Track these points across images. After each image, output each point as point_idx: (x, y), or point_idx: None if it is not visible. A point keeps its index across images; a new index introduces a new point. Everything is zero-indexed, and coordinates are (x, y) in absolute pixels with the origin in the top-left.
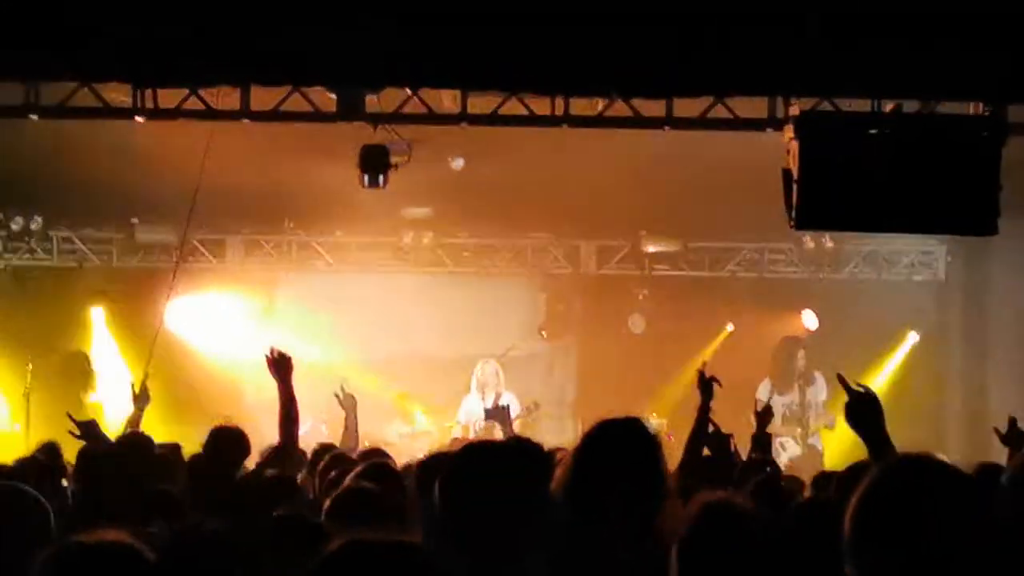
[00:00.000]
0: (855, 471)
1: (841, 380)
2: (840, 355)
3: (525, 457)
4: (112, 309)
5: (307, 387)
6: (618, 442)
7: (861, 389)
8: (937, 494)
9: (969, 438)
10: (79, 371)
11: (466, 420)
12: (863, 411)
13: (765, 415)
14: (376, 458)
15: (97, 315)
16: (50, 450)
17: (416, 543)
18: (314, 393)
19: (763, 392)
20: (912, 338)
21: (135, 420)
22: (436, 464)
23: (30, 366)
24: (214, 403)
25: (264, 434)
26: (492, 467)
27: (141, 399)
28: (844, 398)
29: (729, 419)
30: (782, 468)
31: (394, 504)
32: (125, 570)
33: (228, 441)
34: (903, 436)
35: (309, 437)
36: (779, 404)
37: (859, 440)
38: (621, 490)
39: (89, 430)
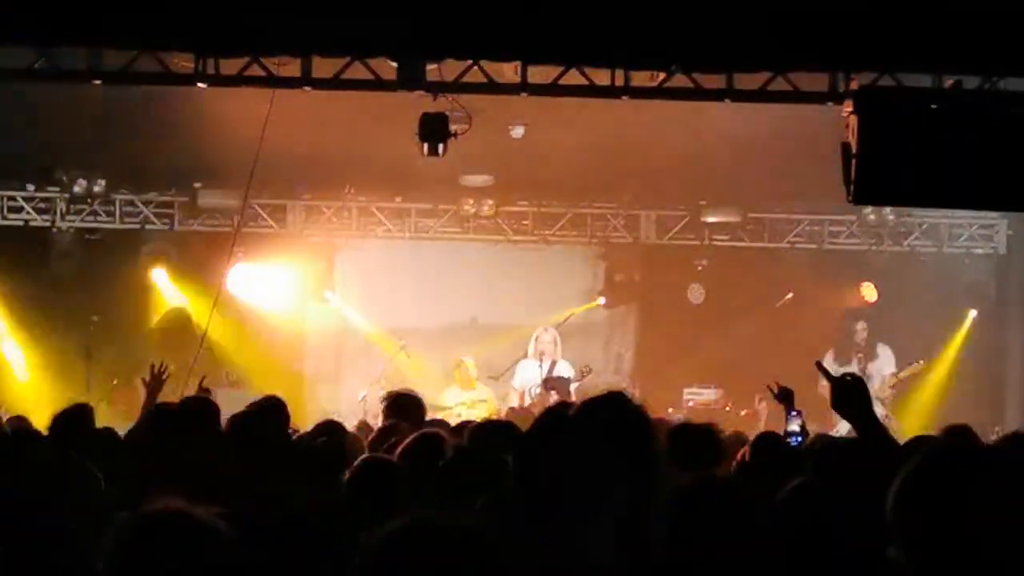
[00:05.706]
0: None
1: (819, 367)
2: (900, 328)
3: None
4: (173, 273)
5: (364, 354)
6: (607, 417)
7: (848, 377)
8: (980, 477)
9: None
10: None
11: (520, 386)
12: (848, 396)
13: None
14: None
15: (158, 278)
16: None
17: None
18: (372, 360)
19: (827, 364)
20: (972, 311)
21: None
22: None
23: (95, 318)
24: (273, 368)
25: (320, 401)
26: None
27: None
28: (917, 371)
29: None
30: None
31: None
32: (199, 540)
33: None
34: (962, 408)
35: (367, 405)
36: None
37: (923, 416)
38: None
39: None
